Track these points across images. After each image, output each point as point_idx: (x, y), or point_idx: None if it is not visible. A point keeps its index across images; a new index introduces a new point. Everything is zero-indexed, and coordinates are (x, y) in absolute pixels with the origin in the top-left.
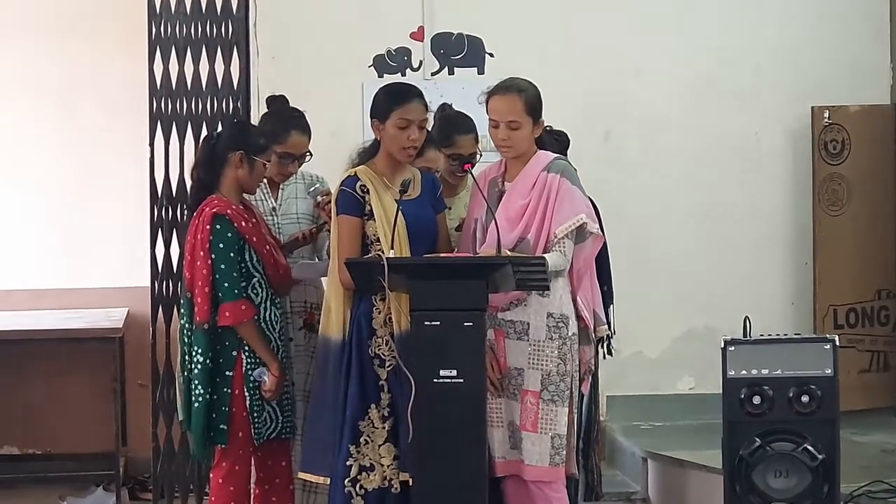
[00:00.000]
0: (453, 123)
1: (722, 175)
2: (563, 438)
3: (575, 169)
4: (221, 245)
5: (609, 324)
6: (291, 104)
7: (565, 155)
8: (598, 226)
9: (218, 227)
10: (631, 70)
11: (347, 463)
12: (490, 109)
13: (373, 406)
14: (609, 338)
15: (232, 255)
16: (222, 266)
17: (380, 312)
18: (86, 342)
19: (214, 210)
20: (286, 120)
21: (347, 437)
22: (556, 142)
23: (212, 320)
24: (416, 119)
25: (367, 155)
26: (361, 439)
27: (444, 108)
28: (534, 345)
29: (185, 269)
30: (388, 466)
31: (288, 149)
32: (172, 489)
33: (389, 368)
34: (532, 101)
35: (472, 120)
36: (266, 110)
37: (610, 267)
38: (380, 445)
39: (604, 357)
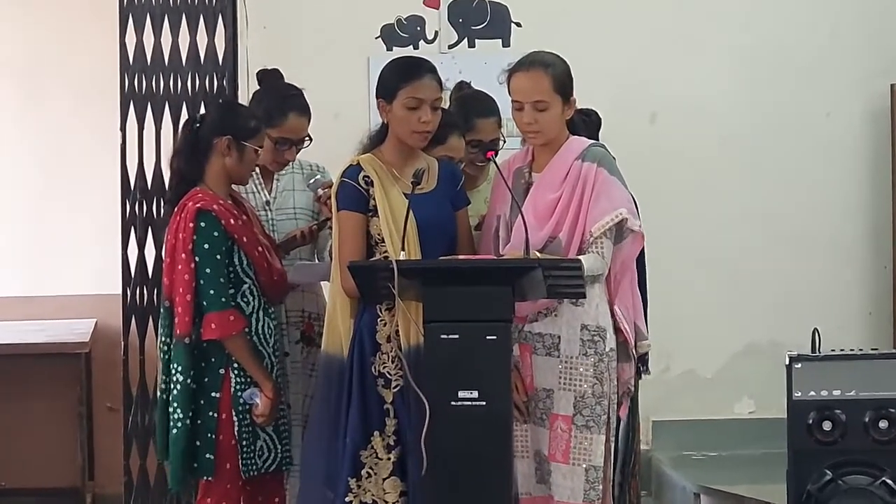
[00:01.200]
0: (471, 105)
1: (787, 163)
2: (599, 471)
3: (614, 157)
4: (207, 246)
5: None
6: (286, 80)
7: (597, 137)
8: (640, 222)
9: (203, 224)
10: (681, 41)
11: (347, 499)
12: (512, 89)
13: (376, 433)
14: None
15: (219, 257)
16: (207, 270)
17: (385, 325)
18: (46, 359)
19: (199, 205)
20: (282, 99)
21: (347, 468)
22: (586, 122)
23: (195, 333)
24: (427, 98)
25: (375, 141)
26: (363, 472)
27: (462, 86)
28: (565, 362)
29: (163, 274)
30: None
31: (284, 133)
32: None
33: (396, 390)
34: (561, 78)
35: (493, 100)
36: (257, 87)
37: (645, 271)
38: (384, 479)
39: (639, 376)
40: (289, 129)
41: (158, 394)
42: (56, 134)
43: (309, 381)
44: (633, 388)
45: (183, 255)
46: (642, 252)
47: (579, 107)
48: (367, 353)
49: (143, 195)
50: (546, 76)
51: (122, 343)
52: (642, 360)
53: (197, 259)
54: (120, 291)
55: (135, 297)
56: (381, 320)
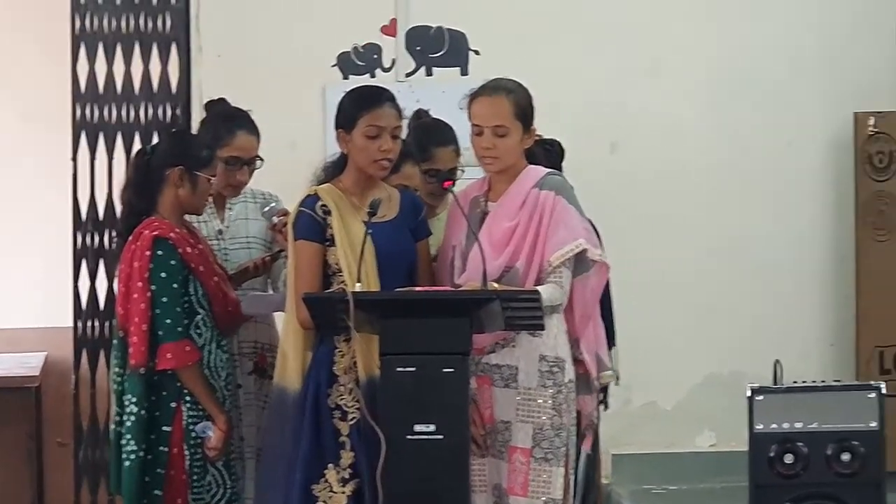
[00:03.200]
0: (429, 133)
1: (749, 193)
2: None
3: (571, 186)
4: (164, 274)
5: (612, 369)
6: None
7: (559, 168)
8: (601, 252)
9: (159, 252)
10: (642, 69)
11: None
12: (473, 113)
13: (330, 466)
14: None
15: (175, 286)
16: (164, 299)
17: (343, 356)
18: None
19: (155, 233)
20: (229, 118)
21: (297, 502)
22: (548, 152)
23: (149, 364)
24: (387, 126)
25: (334, 171)
26: None
27: (420, 115)
28: (523, 393)
29: (117, 304)
30: None
31: (234, 151)
32: None
33: (352, 422)
34: (522, 104)
35: (451, 129)
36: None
37: (611, 302)
38: None
39: (602, 409)
40: (238, 147)
41: (111, 426)
42: (4, 163)
43: (262, 412)
44: (596, 421)
45: (139, 284)
46: (608, 285)
47: (539, 135)
48: (323, 385)
49: (94, 226)
50: (508, 102)
51: (73, 377)
52: (603, 393)
53: (153, 288)
54: (71, 324)
55: (86, 330)
56: (338, 351)
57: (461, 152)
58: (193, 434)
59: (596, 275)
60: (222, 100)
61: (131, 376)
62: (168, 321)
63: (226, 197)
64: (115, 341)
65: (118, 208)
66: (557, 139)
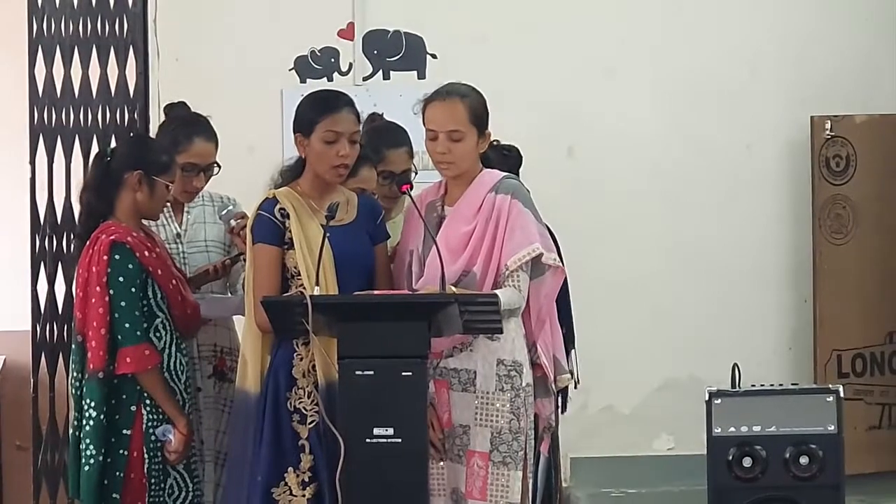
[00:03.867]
0: (382, 136)
1: (706, 196)
2: None
3: (528, 190)
4: (121, 279)
5: (571, 372)
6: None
7: (517, 174)
8: (555, 256)
9: (117, 257)
10: (600, 72)
11: None
12: (427, 118)
13: (290, 470)
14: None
15: (133, 290)
16: (122, 304)
17: (301, 359)
18: None
19: (113, 237)
20: (187, 124)
21: None
22: (506, 158)
23: (108, 368)
24: (345, 131)
25: (291, 175)
26: None
27: (374, 118)
28: (482, 397)
29: (75, 309)
30: None
31: (191, 158)
32: None
33: (312, 426)
34: (477, 109)
35: (404, 131)
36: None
37: (570, 305)
38: None
39: (560, 412)
40: (195, 153)
41: (70, 431)
42: None
43: (222, 416)
44: (553, 424)
45: (97, 289)
46: (566, 286)
47: (496, 140)
48: (282, 389)
49: (52, 230)
50: (462, 106)
51: (32, 380)
52: (562, 396)
53: (111, 292)
54: (29, 328)
55: (44, 334)
56: (297, 355)
57: (415, 155)
58: (153, 437)
59: (550, 279)
60: (182, 103)
61: (90, 381)
62: (127, 325)
63: (182, 202)
64: (73, 346)
65: (76, 211)
66: (515, 145)
